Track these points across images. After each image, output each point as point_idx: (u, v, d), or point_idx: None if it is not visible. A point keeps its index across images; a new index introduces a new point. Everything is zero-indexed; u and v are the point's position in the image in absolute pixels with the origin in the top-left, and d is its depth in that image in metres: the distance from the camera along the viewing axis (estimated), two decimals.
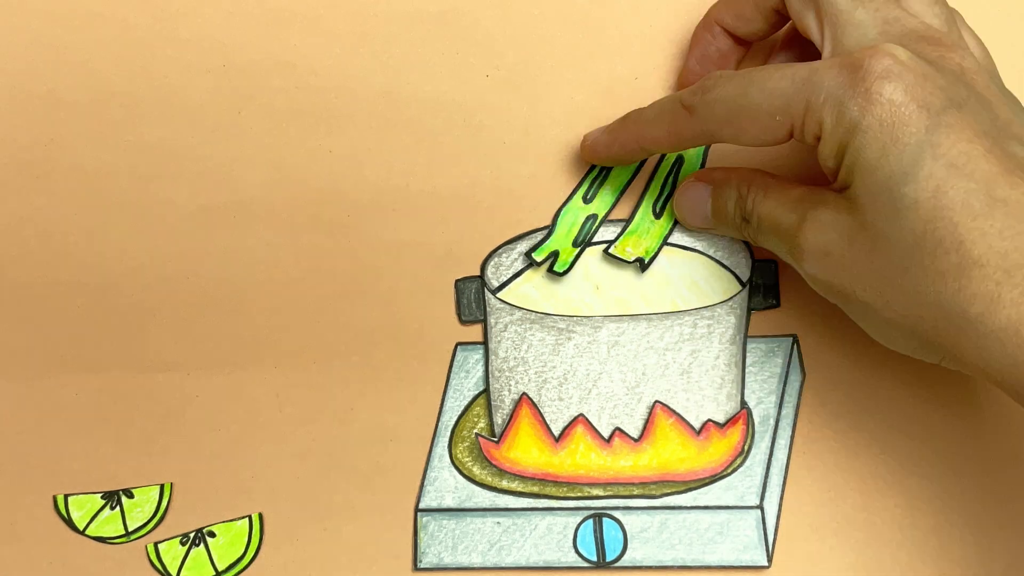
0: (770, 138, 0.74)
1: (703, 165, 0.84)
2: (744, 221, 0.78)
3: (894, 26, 0.74)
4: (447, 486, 0.84)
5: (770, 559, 0.82)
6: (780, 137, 0.73)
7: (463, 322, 0.85)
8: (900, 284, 0.70)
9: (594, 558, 0.83)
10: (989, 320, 0.67)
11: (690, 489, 0.82)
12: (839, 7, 0.75)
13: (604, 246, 0.84)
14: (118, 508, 0.85)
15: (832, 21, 0.75)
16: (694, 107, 0.75)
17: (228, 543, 0.85)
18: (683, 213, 0.82)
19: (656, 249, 0.83)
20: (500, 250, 0.85)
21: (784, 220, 0.75)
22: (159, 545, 0.85)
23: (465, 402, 0.86)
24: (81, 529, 0.85)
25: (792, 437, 0.84)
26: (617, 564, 0.82)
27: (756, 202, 0.77)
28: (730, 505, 0.82)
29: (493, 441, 0.83)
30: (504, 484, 0.83)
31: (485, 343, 0.85)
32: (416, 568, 0.84)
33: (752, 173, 0.79)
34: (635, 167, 0.84)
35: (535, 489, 0.83)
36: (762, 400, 0.84)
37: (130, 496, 0.85)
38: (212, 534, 0.85)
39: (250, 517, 0.85)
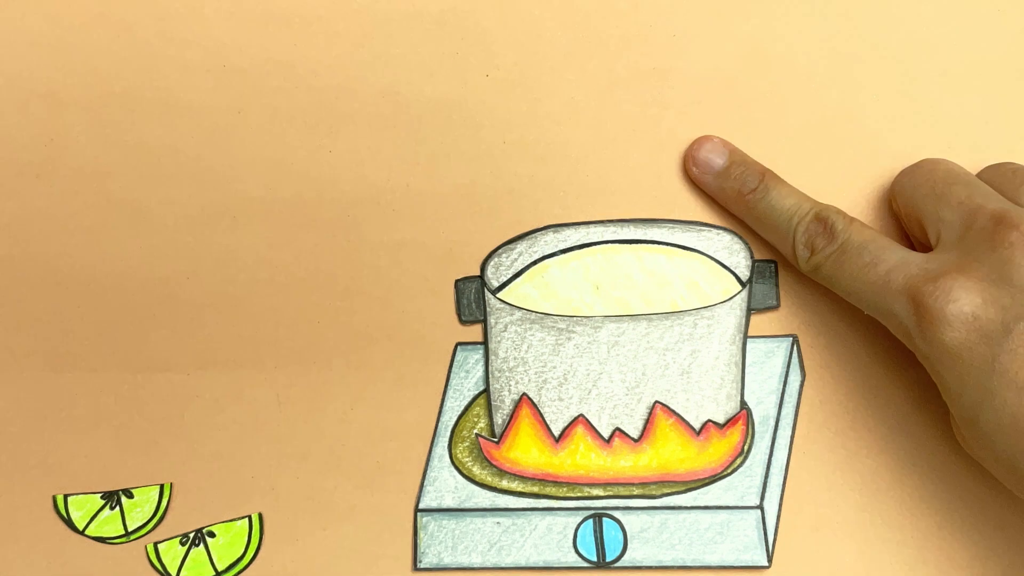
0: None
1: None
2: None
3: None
4: (447, 486, 0.84)
5: (770, 559, 0.82)
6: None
7: (463, 322, 0.85)
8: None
9: (594, 558, 0.83)
10: None
11: (690, 489, 0.82)
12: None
13: (604, 247, 0.84)
14: (118, 508, 0.85)
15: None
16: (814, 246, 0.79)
17: (228, 543, 0.84)
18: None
19: None
20: (500, 250, 0.85)
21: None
22: (159, 545, 0.85)
23: (465, 402, 0.86)
24: (81, 529, 0.85)
25: (792, 437, 0.84)
26: (617, 564, 0.82)
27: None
28: (730, 505, 0.82)
29: (493, 441, 0.83)
30: (504, 484, 0.83)
31: (485, 343, 0.85)
32: (416, 568, 0.84)
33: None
34: None
35: (535, 489, 0.83)
36: (762, 400, 0.84)
37: (130, 496, 0.85)
38: (212, 534, 0.85)
39: (250, 517, 0.85)
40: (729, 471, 0.82)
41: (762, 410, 0.84)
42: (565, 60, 0.84)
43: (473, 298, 0.85)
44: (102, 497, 0.85)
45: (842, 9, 0.83)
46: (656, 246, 0.84)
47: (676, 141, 0.84)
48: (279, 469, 0.85)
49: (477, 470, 0.84)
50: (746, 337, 0.84)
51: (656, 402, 0.82)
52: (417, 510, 0.84)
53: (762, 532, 0.82)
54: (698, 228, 0.84)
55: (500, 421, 0.84)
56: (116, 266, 0.86)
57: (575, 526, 0.82)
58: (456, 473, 0.84)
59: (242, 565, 0.84)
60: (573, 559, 0.83)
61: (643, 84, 0.84)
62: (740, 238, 0.84)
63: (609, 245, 0.85)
